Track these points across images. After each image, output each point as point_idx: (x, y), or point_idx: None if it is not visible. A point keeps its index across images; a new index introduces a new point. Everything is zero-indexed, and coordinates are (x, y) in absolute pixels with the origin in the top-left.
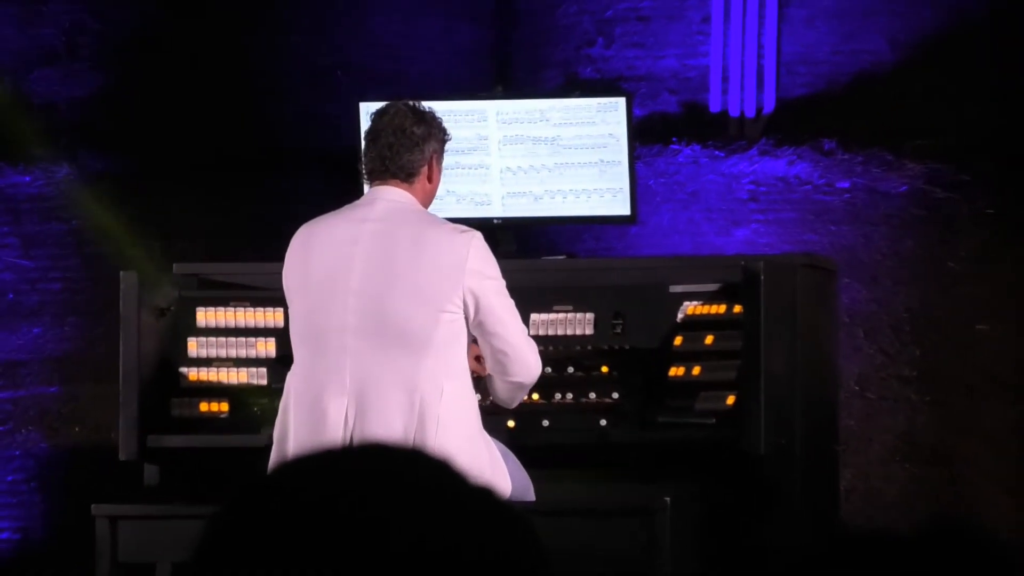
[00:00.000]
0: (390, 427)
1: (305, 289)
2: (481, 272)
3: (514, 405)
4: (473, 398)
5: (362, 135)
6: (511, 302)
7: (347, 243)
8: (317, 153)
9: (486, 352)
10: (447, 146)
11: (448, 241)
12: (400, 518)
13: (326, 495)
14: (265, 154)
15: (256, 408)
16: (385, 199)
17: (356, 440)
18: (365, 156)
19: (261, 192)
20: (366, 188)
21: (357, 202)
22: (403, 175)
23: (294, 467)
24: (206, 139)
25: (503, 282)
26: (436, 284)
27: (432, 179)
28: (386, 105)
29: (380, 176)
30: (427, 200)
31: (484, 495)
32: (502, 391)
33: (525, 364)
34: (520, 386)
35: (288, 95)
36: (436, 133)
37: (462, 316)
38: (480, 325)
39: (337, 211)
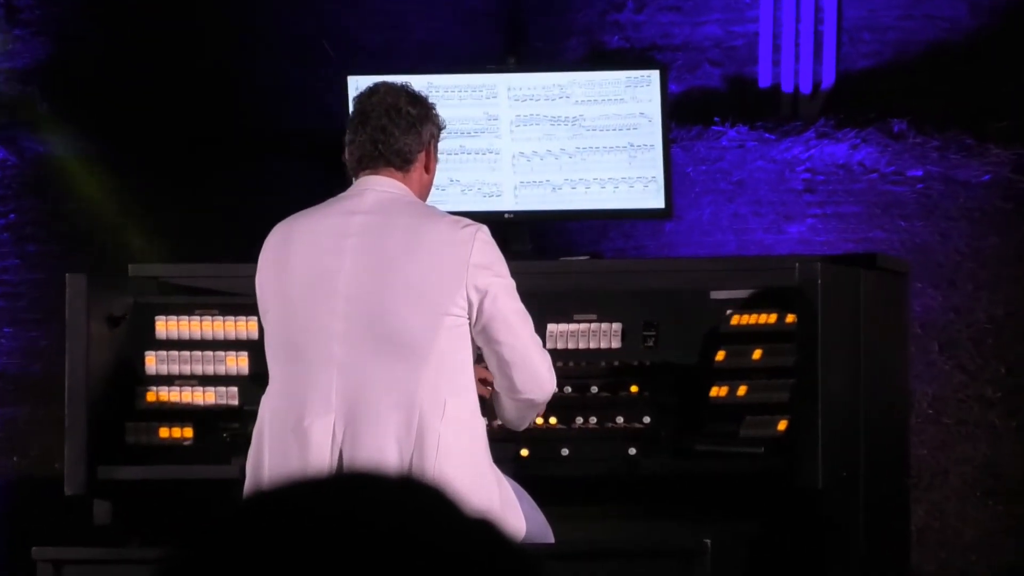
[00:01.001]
0: (384, 449)
1: (283, 293)
2: (488, 268)
3: (523, 427)
4: (481, 422)
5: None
6: (522, 306)
7: (333, 238)
8: (299, 135)
9: (492, 364)
10: (442, 136)
11: (449, 233)
12: (394, 556)
13: (306, 530)
14: (238, 137)
15: (226, 434)
16: (376, 189)
17: (346, 465)
18: (351, 143)
19: (233, 181)
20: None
21: (343, 194)
22: (399, 161)
23: (268, 498)
24: (168, 119)
25: (513, 283)
26: (437, 282)
27: (429, 169)
28: (374, 84)
29: (371, 163)
30: (423, 194)
31: (487, 529)
32: (510, 411)
33: (537, 379)
34: (531, 404)
35: (266, 69)
36: (433, 116)
37: (467, 320)
38: (485, 330)
39: (319, 206)
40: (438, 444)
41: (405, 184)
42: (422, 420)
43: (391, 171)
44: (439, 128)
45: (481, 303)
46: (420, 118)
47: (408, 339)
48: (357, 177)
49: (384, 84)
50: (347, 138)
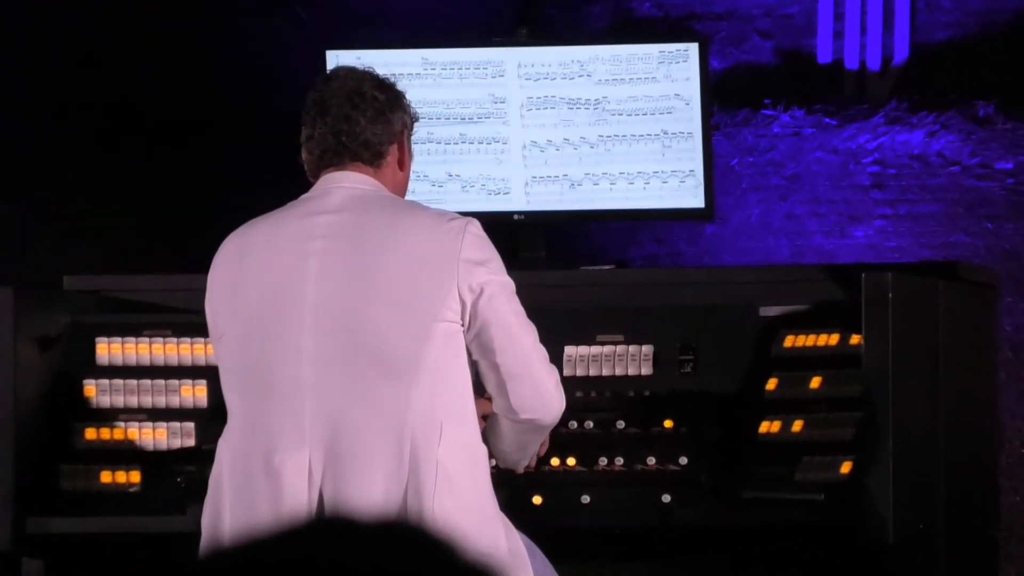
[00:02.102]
0: (373, 485)
1: (240, 313)
2: (482, 264)
3: (524, 465)
4: (483, 450)
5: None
6: (523, 310)
7: (296, 242)
8: (270, 120)
9: (489, 381)
10: (419, 124)
11: (434, 227)
12: None
13: None
14: (197, 121)
15: (180, 479)
16: (344, 186)
17: (328, 507)
18: (309, 139)
19: (190, 175)
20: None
21: (305, 196)
22: (367, 155)
23: (238, 552)
24: (113, 99)
25: (511, 283)
26: (424, 282)
27: (403, 166)
28: (331, 70)
29: (334, 159)
30: (397, 193)
31: None
32: (509, 438)
33: (542, 395)
34: (534, 428)
35: (231, 41)
36: (404, 104)
37: (461, 326)
38: (479, 338)
39: (276, 211)
40: (436, 474)
41: (376, 179)
42: (416, 448)
43: (359, 166)
44: (412, 118)
45: (475, 304)
46: (389, 104)
47: (393, 352)
48: (318, 177)
49: (344, 68)
50: (303, 135)
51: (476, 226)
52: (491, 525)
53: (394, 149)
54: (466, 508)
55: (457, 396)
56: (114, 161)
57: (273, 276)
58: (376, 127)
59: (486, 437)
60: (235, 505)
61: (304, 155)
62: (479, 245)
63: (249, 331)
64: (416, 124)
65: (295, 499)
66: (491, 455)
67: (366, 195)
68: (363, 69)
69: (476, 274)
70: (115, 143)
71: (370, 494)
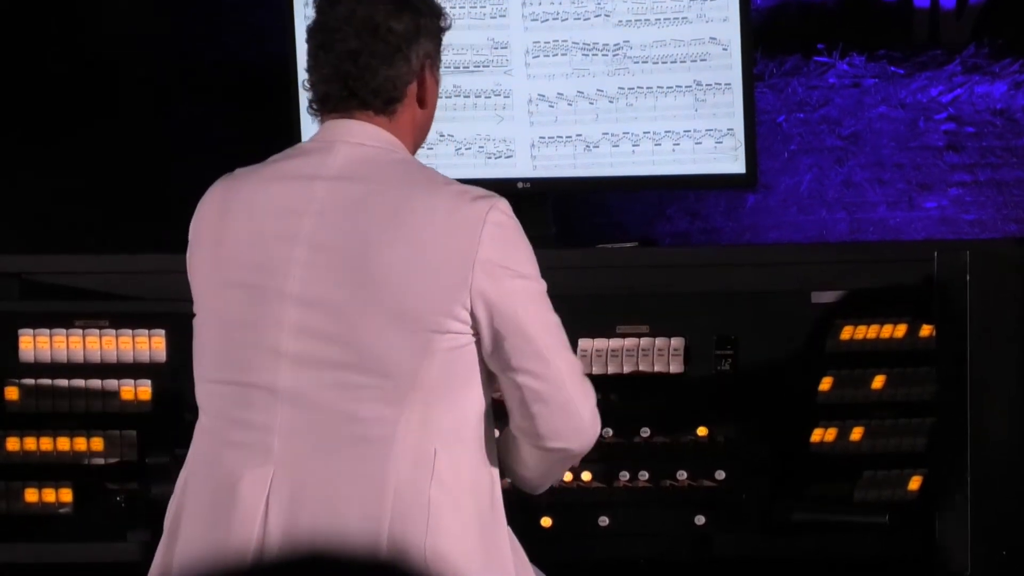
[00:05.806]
0: (344, 520)
1: (222, 280)
2: (502, 264)
3: (544, 488)
4: (491, 478)
5: (298, 30)
6: (554, 317)
7: (286, 215)
8: (219, 69)
9: (511, 397)
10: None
11: (449, 211)
12: None
13: None
14: (134, 69)
15: (120, 498)
16: (349, 141)
17: (286, 539)
18: (310, 71)
19: (125, 136)
20: (308, 129)
21: (301, 145)
22: (379, 103)
23: None
24: (35, 41)
25: (542, 284)
26: (426, 286)
27: (426, 102)
28: None
29: (339, 105)
30: (419, 136)
31: None
32: (531, 464)
33: (574, 421)
34: (564, 456)
35: None
36: (426, 22)
37: (472, 337)
38: (499, 354)
39: (270, 161)
40: (428, 516)
41: (391, 131)
42: (402, 481)
43: (369, 115)
44: (438, 35)
45: (493, 316)
46: (408, 36)
47: (385, 364)
48: (322, 121)
49: None
50: (307, 64)
51: (501, 211)
52: (498, 566)
53: (412, 88)
54: (464, 551)
55: (460, 420)
56: (33, 121)
57: (252, 254)
58: (393, 69)
59: (500, 455)
60: (192, 520)
61: (307, 89)
62: (503, 238)
63: (231, 314)
64: (445, 33)
65: (245, 526)
66: (503, 474)
67: (376, 159)
68: None
69: (496, 278)
70: (39, 96)
71: (342, 529)
